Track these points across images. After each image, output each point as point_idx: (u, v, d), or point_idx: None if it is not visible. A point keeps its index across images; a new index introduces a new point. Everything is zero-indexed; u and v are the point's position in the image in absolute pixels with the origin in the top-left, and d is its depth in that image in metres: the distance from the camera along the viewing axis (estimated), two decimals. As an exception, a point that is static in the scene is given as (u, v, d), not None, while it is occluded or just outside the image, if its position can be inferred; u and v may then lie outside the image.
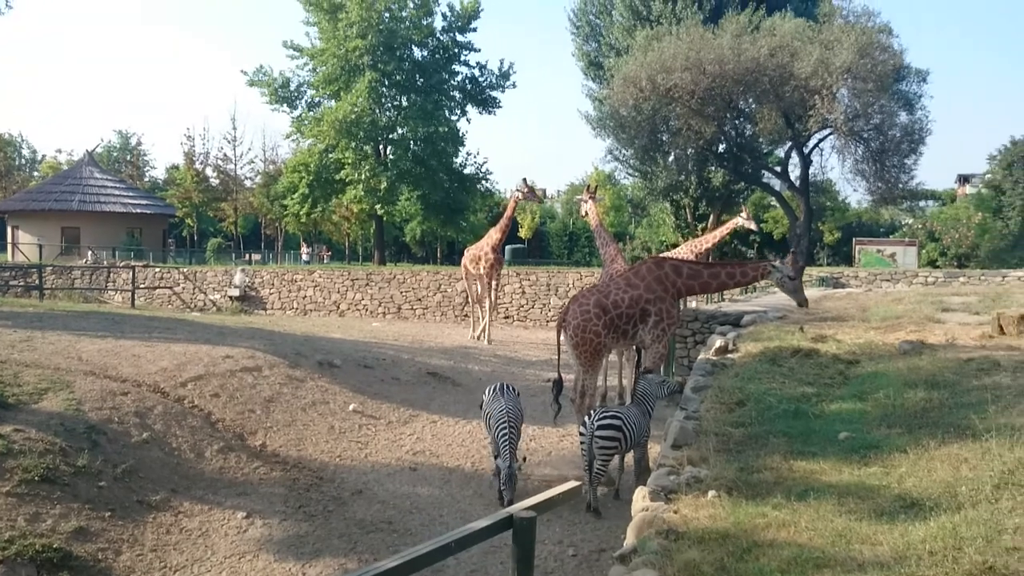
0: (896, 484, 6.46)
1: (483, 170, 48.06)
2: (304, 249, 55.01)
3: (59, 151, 72.27)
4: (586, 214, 19.21)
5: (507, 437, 10.36)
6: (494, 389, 11.40)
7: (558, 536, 9.65)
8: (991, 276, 27.04)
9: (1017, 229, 45.30)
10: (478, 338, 24.48)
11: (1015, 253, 41.51)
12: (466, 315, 30.96)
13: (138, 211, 50.19)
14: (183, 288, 35.13)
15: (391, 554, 9.06)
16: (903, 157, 37.41)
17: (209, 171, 58.66)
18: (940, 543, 5.09)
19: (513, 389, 11.47)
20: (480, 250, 24.20)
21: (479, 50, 46.83)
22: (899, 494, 6.21)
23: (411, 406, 15.51)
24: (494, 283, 24.35)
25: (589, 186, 20.75)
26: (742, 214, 21.59)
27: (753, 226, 22.75)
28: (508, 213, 23.91)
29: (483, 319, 24.87)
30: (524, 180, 23.13)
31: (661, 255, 16.16)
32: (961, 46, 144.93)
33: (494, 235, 23.84)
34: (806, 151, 39.69)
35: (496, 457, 10.81)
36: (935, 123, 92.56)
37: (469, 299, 26.28)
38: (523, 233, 61.17)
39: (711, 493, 6.38)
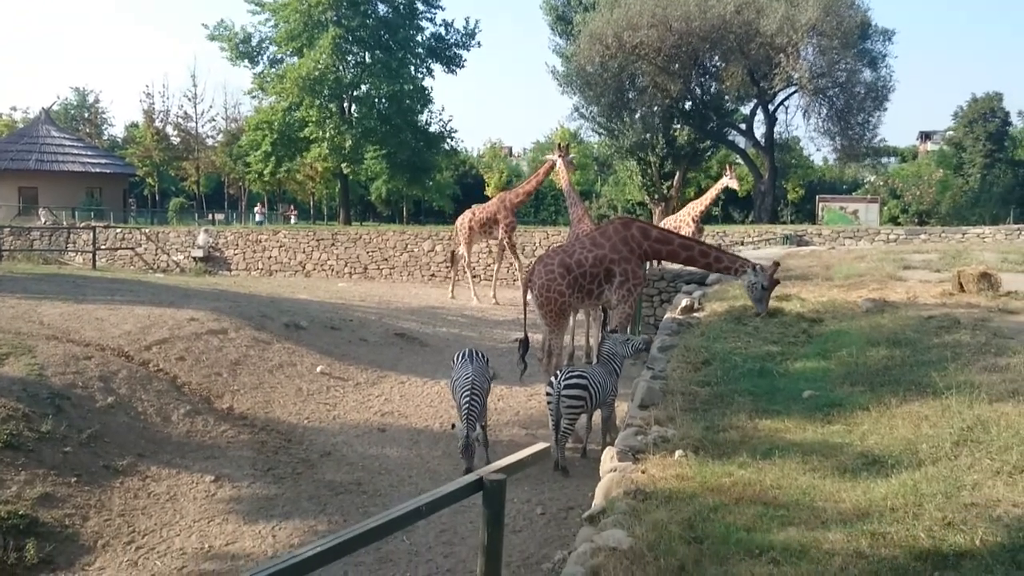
0: (859, 442, 6.59)
1: (449, 128, 47.72)
2: (258, 209, 54.27)
3: (14, 108, 70.43)
4: (557, 172, 19.12)
5: (467, 405, 10.25)
6: (463, 355, 11.20)
7: (526, 495, 9.73)
8: (951, 233, 27.41)
9: (977, 186, 45.93)
10: (491, 297, 24.40)
11: (975, 210, 42.12)
12: (433, 275, 30.91)
13: (97, 170, 49.21)
14: (145, 249, 34.65)
15: (361, 515, 9.12)
16: (867, 115, 37.80)
17: (170, 129, 57.59)
18: (901, 500, 5.21)
19: (482, 355, 11.35)
20: (495, 212, 23.46)
21: (444, 8, 46.36)
22: (862, 451, 6.34)
23: (379, 367, 15.50)
24: (512, 245, 23.87)
25: (560, 144, 20.65)
26: (727, 174, 21.62)
27: (736, 185, 22.75)
28: (539, 178, 22.58)
29: (494, 280, 25.18)
30: (560, 146, 21.89)
31: (629, 218, 16.17)
32: (925, 2, 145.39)
33: (513, 199, 23.26)
34: (771, 109, 39.90)
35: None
36: (899, 81, 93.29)
37: (457, 260, 25.82)
38: (489, 192, 60.95)
39: (678, 453, 6.46)
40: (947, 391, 7.27)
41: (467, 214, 24.56)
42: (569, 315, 12.76)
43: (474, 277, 26.60)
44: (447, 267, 30.87)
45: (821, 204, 40.12)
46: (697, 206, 20.61)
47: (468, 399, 10.18)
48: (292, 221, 53.11)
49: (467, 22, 47.63)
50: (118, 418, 10.79)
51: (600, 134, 45.87)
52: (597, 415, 10.97)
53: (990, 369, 8.05)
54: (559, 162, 19.00)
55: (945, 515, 4.94)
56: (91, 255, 32.05)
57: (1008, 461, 5.64)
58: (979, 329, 9.89)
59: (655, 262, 14.83)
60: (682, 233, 15.42)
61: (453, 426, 10.56)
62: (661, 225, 16.23)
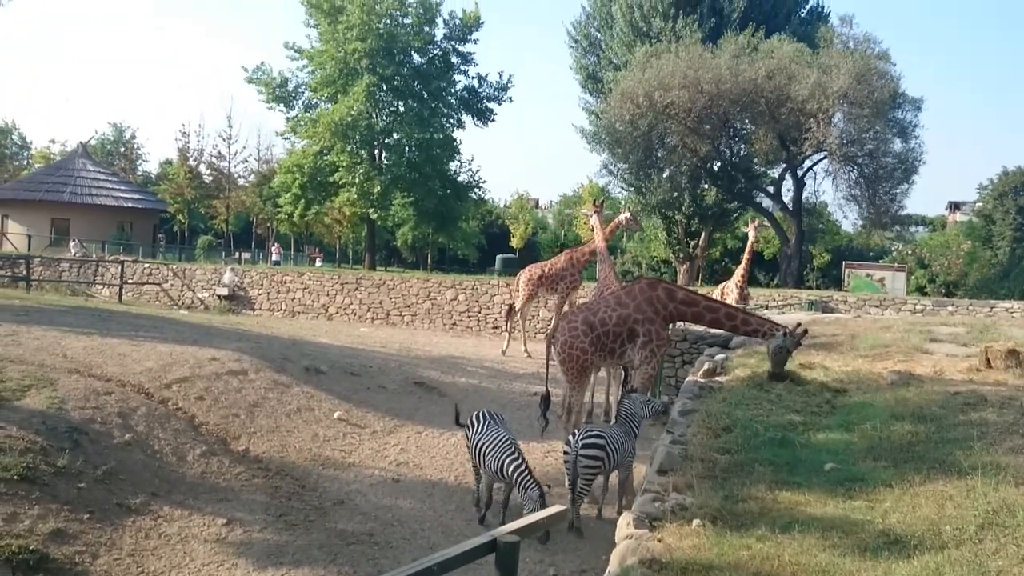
0: (880, 519, 6.45)
1: (477, 178, 48.13)
2: (275, 249, 54.63)
3: (52, 141, 71.95)
4: (592, 229, 19.16)
5: (519, 465, 9.96)
6: (485, 416, 10.94)
7: (539, 556, 9.61)
8: (979, 307, 27.13)
9: (1006, 260, 45.52)
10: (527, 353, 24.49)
11: (1003, 284, 41.69)
12: (455, 323, 30.90)
13: (129, 205, 49.95)
14: (171, 285, 34.97)
15: (371, 567, 9.04)
16: (895, 184, 37.69)
17: (203, 168, 58.52)
18: (923, 584, 5.09)
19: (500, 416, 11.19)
20: (563, 268, 23.41)
21: (478, 64, 47.10)
22: (883, 530, 6.21)
23: (396, 416, 15.45)
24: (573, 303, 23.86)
25: (595, 201, 20.71)
26: (750, 227, 22.77)
27: (753, 234, 23.18)
28: (605, 236, 21.40)
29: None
30: (595, 202, 21.89)
31: (656, 279, 16.18)
32: (957, 75, 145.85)
33: (580, 257, 23.35)
34: (800, 173, 39.90)
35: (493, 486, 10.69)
36: (927, 152, 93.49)
37: (513, 315, 25.62)
38: (514, 243, 61.22)
39: (695, 522, 6.36)
40: (972, 471, 7.13)
41: (534, 269, 24.35)
42: (590, 373, 12.70)
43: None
44: (468, 316, 30.92)
45: (847, 270, 39.91)
46: (739, 271, 22.30)
47: (518, 460, 10.02)
48: (317, 264, 53.34)
49: (500, 76, 48.31)
50: (134, 455, 10.80)
51: (627, 191, 46.05)
52: (613, 477, 10.86)
53: (1017, 450, 7.89)
54: (594, 218, 19.01)
55: (969, 603, 4.81)
56: (118, 288, 32.38)
57: (1034, 548, 5.50)
58: (1006, 408, 9.72)
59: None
60: (727, 299, 15.65)
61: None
62: (705, 293, 16.31)
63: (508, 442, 10.15)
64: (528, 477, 9.79)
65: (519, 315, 25.05)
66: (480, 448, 10.49)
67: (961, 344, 15.32)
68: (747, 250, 22.95)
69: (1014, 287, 39.54)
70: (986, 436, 8.40)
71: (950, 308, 27.02)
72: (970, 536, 5.89)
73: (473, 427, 10.83)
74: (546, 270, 23.99)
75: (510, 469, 9.92)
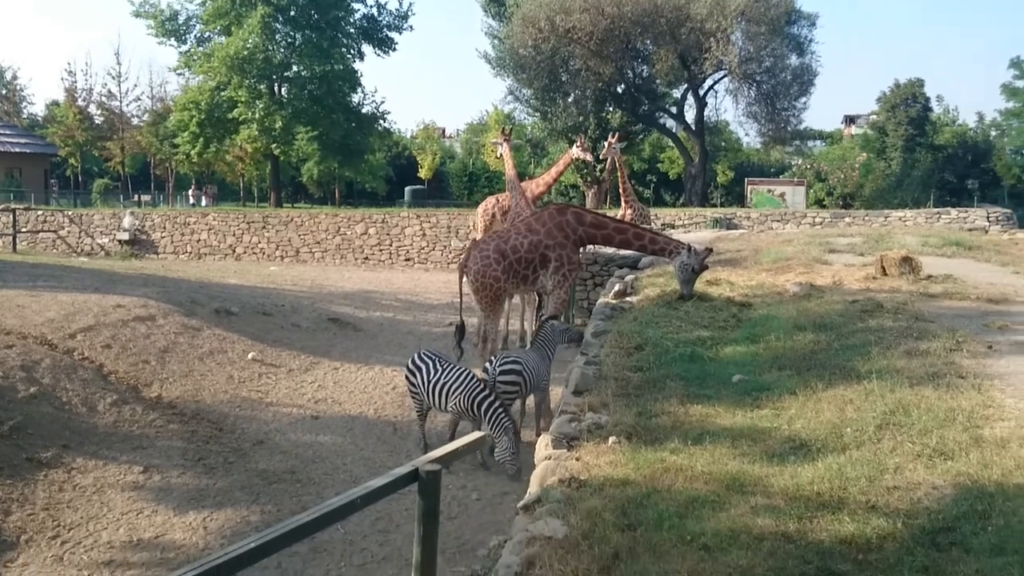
0: (786, 426, 6.74)
1: (381, 110, 47.23)
2: (193, 191, 52.90)
3: (-74, 85, 67.64)
4: (500, 157, 18.91)
5: (495, 403, 9.71)
6: (429, 355, 10.57)
7: (461, 481, 9.76)
8: (875, 217, 28.13)
9: (899, 170, 47.03)
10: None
11: (897, 194, 43.15)
12: (366, 258, 30.68)
13: (17, 150, 47.69)
14: (68, 232, 33.69)
15: (295, 504, 9.06)
16: (793, 99, 38.51)
17: (93, 108, 55.84)
18: (827, 484, 5.36)
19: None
20: (514, 203, 22.52)
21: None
22: (789, 436, 6.49)
23: (312, 353, 15.33)
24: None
25: (504, 129, 20.38)
26: (577, 145, 20.66)
27: (589, 157, 21.86)
28: (560, 169, 20.97)
29: None
30: (504, 131, 20.96)
31: (564, 204, 16.18)
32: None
33: (535, 190, 22.47)
34: (701, 93, 40.37)
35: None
36: (823, 66, 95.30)
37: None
38: (423, 174, 60.56)
39: (612, 439, 6.54)
40: (870, 375, 7.49)
41: (492, 201, 23.92)
42: (504, 301, 12.78)
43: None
44: (379, 250, 30.74)
45: (750, 187, 40.82)
46: (535, 186, 19.91)
47: (491, 397, 9.75)
48: (203, 203, 50.69)
49: (400, 4, 47.23)
50: (42, 408, 10.49)
51: (534, 116, 45.89)
52: (531, 401, 11.04)
53: (911, 353, 8.30)
54: (504, 147, 18.78)
55: (869, 499, 5.09)
56: (11, 238, 31.05)
57: (928, 444, 5.84)
58: (901, 313, 10.18)
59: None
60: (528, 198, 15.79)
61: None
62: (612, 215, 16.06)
63: (475, 380, 10.04)
64: (503, 414, 9.70)
65: None
66: (442, 389, 10.12)
67: (858, 254, 15.91)
68: (556, 164, 21.71)
69: (906, 196, 40.95)
70: (883, 341, 8.81)
71: (847, 219, 27.96)
72: (869, 437, 6.21)
73: (423, 370, 10.41)
74: (502, 201, 23.70)
75: (482, 407, 9.76)
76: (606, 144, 21.01)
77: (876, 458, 5.75)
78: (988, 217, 27.40)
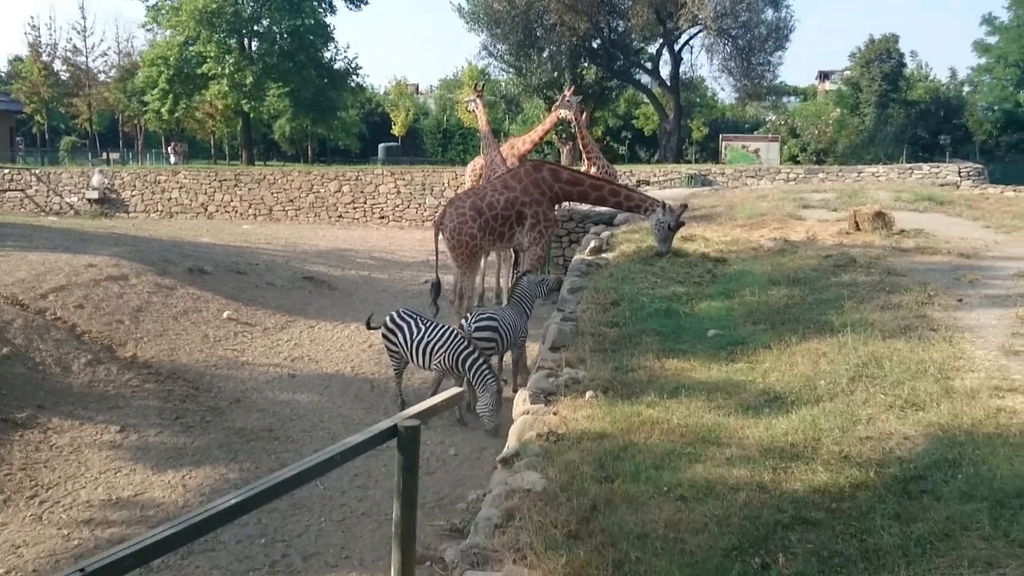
0: (761, 379, 6.83)
1: (354, 65, 46.58)
2: (172, 147, 51.97)
3: None
4: (473, 111, 18.68)
5: (478, 358, 9.77)
6: (409, 314, 10.53)
7: (440, 437, 9.82)
8: (848, 172, 28.24)
9: (872, 126, 47.14)
10: None
11: (870, 149, 43.27)
12: (340, 216, 30.50)
13: (-20, 107, 46.73)
14: (36, 191, 33.18)
15: (273, 462, 9.08)
16: (768, 54, 38.45)
17: (58, 64, 54.66)
18: (801, 435, 5.45)
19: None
20: (507, 159, 22.02)
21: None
22: (764, 388, 6.58)
23: (287, 312, 15.28)
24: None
25: (476, 85, 20.12)
26: (563, 96, 20.19)
27: (571, 116, 21.41)
28: (547, 127, 20.59)
29: None
30: (476, 87, 20.44)
31: (540, 161, 16.01)
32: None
33: (522, 148, 21.96)
34: (676, 48, 40.17)
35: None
36: (799, 21, 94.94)
37: None
38: (396, 130, 59.99)
39: (589, 394, 6.60)
40: (843, 329, 7.57)
41: (479, 161, 23.54)
42: (480, 257, 12.77)
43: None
44: (353, 207, 30.57)
45: (724, 143, 40.79)
46: (521, 144, 19.64)
47: (475, 353, 9.76)
48: (172, 160, 49.41)
49: (371, -45, 46.35)
50: (15, 369, 10.42)
51: (508, 72, 45.48)
52: (508, 357, 11.09)
53: (884, 307, 8.40)
54: (477, 103, 18.54)
55: (842, 449, 5.18)
56: (-23, 198, 30.59)
57: (900, 395, 5.93)
58: (873, 268, 10.29)
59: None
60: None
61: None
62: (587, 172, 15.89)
63: (460, 337, 10.03)
64: (487, 371, 9.73)
65: None
66: (425, 348, 10.10)
67: (832, 209, 16.01)
68: (544, 122, 21.28)
69: (879, 152, 41.10)
70: (856, 295, 8.91)
71: (821, 175, 28.06)
72: (842, 389, 6.31)
73: (404, 329, 10.37)
74: (480, 161, 23.44)
75: (467, 364, 9.78)
76: (559, 97, 20.18)
77: (849, 409, 5.84)
78: (960, 172, 27.58)
